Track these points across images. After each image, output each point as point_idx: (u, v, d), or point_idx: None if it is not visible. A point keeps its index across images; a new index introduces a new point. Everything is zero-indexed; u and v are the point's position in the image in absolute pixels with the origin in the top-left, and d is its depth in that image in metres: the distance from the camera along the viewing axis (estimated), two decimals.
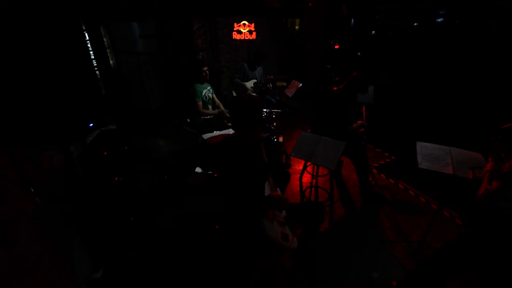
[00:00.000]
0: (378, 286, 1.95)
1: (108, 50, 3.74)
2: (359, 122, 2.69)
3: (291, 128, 4.58)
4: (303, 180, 3.08)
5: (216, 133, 2.99)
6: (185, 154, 3.01)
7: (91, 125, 2.08)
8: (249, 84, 4.15)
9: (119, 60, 3.99)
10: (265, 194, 1.84)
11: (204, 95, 3.32)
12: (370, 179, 2.94)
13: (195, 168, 2.83)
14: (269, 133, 3.16)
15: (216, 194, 2.47)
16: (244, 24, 5.46)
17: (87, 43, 3.18)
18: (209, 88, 3.43)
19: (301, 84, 4.06)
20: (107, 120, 3.14)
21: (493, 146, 1.41)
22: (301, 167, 3.14)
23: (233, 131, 2.93)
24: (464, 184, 1.80)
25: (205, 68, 3.28)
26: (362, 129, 2.76)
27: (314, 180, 2.89)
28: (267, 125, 3.26)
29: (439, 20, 4.19)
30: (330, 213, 2.70)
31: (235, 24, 5.37)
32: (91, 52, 3.24)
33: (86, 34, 3.17)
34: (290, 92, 4.11)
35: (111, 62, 3.79)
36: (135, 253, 2.01)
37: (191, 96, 3.27)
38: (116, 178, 2.06)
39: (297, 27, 7.36)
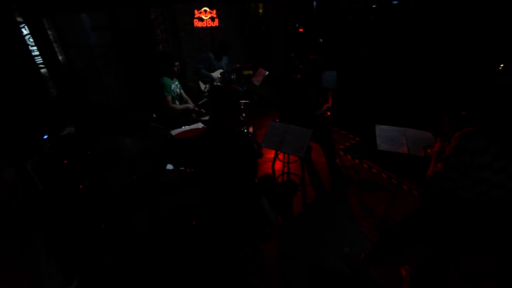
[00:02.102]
0: (349, 259, 2.13)
1: (55, 44, 3.40)
2: (325, 105, 2.79)
3: (261, 117, 4.62)
4: (275, 168, 3.17)
5: (184, 128, 2.92)
6: (154, 152, 2.92)
7: (45, 137, 1.91)
8: (216, 74, 4.07)
9: (69, 54, 3.66)
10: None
11: (173, 90, 3.20)
12: (337, 161, 3.12)
13: (165, 166, 2.77)
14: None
15: (191, 188, 2.46)
16: (205, 11, 5.25)
17: (26, 38, 2.84)
18: (177, 83, 3.30)
19: (267, 72, 4.07)
20: (64, 123, 2.90)
21: (445, 128, 1.57)
22: (272, 156, 3.23)
23: (204, 126, 2.90)
24: (419, 159, 1.99)
25: (177, 64, 3.15)
26: (328, 113, 2.88)
27: (286, 167, 2.99)
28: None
29: (395, 2, 4.37)
30: (303, 196, 2.83)
31: (196, 11, 5.14)
32: (34, 48, 2.92)
33: (25, 27, 2.83)
34: (257, 81, 4.10)
35: (60, 57, 3.46)
36: (112, 259, 1.96)
37: (159, 91, 3.13)
38: (81, 186, 1.95)
39: (260, 11, 7.25)
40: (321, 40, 4.95)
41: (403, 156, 2.05)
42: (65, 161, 1.90)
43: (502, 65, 3.16)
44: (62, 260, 1.72)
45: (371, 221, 2.50)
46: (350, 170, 3.26)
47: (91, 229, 1.96)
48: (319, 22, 5.14)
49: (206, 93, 4.06)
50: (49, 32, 3.28)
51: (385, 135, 2.12)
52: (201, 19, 5.25)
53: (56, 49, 3.39)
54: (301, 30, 5.53)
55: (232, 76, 3.92)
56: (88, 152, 2.23)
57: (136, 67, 4.44)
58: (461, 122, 1.46)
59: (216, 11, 5.37)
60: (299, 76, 2.73)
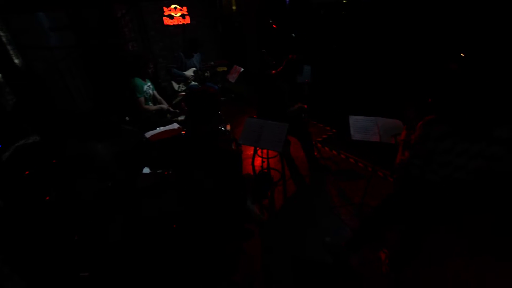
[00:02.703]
0: (330, 248, 2.18)
1: (9, 47, 3.13)
2: (298, 104, 2.82)
3: (238, 115, 4.58)
4: (255, 164, 3.17)
5: (159, 129, 2.83)
6: (129, 156, 2.81)
7: None
8: (189, 73, 3.97)
9: (27, 58, 3.39)
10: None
11: (145, 91, 3.08)
12: (315, 153, 3.17)
13: (142, 170, 2.67)
14: None
15: (171, 191, 2.40)
16: (175, 8, 5.10)
17: None
18: (149, 84, 3.18)
19: (242, 69, 4.03)
20: (29, 131, 2.70)
21: (410, 116, 1.64)
22: (252, 152, 3.21)
23: (179, 126, 2.83)
24: (391, 146, 2.07)
25: (152, 66, 3.04)
26: (305, 106, 2.92)
27: (265, 163, 2.99)
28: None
29: None
30: (284, 191, 2.86)
31: (165, 8, 4.98)
32: None
33: None
34: (232, 78, 4.05)
35: (16, 61, 3.20)
36: (87, 273, 1.85)
37: (131, 92, 2.99)
38: (48, 198, 1.81)
39: (234, 7, 7.16)
40: (293, 35, 4.98)
41: (377, 144, 2.12)
42: (27, 172, 1.77)
43: (462, 55, 3.35)
44: (30, 279, 1.60)
45: (350, 209, 2.57)
46: (328, 161, 3.33)
47: (61, 243, 1.84)
48: (291, 17, 5.16)
49: (181, 92, 3.95)
50: (1, 34, 3.02)
51: (358, 126, 2.18)
52: (171, 17, 5.09)
53: (11, 52, 3.13)
54: (274, 26, 5.53)
55: (206, 74, 3.84)
56: (54, 160, 2.09)
57: (104, 68, 4.22)
58: (426, 109, 1.53)
59: (187, 8, 5.24)
60: (273, 72, 2.73)
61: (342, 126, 3.92)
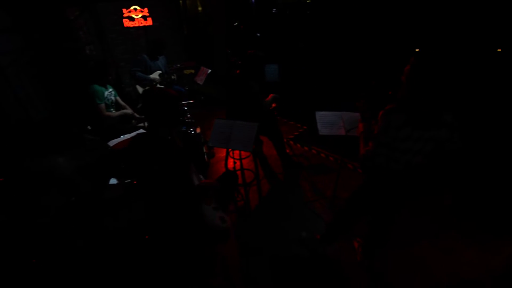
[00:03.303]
0: (306, 242, 2.22)
1: None
2: (271, 95, 2.81)
3: (209, 117, 4.50)
4: (228, 166, 3.13)
5: (123, 137, 2.68)
6: (93, 167, 2.63)
7: None
8: (154, 76, 3.82)
9: None
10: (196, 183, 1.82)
11: (106, 97, 2.90)
12: (287, 150, 3.21)
13: (109, 181, 2.52)
14: (185, 126, 3.03)
15: (136, 201, 2.29)
16: (136, 9, 4.89)
17: None
18: (111, 90, 3.00)
19: (210, 70, 3.97)
20: None
21: (362, 109, 1.71)
22: (224, 154, 3.17)
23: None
24: (358, 138, 2.15)
25: (113, 72, 2.86)
26: (274, 104, 2.93)
27: (237, 164, 2.97)
28: (180, 118, 3.11)
29: None
30: (258, 190, 2.85)
31: (124, 9, 4.74)
32: None
33: None
34: (200, 80, 3.98)
35: None
36: None
37: (91, 99, 2.80)
38: None
39: (200, 9, 7.03)
40: (258, 34, 5.02)
41: (345, 137, 2.19)
42: None
43: (417, 49, 3.61)
44: None
45: (324, 202, 2.64)
46: (301, 157, 3.39)
47: (17, 269, 1.67)
48: (257, 18, 5.19)
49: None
50: None
51: (325, 121, 2.24)
52: (131, 19, 4.87)
53: None
54: (242, 27, 5.53)
55: (173, 77, 3.72)
56: (1, 179, 1.89)
57: (59, 74, 3.91)
58: (380, 101, 1.61)
59: (148, 9, 5.04)
60: (238, 71, 2.71)
61: (312, 123, 4.02)
